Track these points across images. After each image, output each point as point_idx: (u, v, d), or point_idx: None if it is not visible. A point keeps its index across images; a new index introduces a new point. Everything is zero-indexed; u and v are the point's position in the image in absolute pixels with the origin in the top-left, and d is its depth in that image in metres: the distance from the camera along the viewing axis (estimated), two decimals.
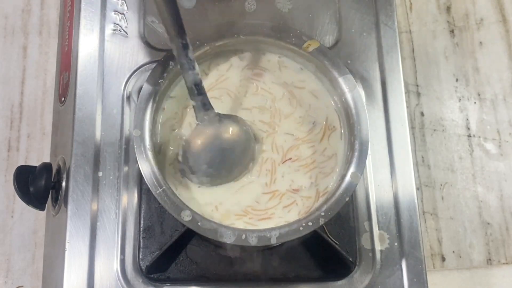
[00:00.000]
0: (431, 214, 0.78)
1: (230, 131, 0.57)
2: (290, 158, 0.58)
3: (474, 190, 0.79)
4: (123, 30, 0.65)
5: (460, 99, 0.83)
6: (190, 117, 0.59)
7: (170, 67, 0.57)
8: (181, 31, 0.53)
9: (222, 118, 0.57)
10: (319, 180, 0.57)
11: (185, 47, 0.54)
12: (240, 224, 0.55)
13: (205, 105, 0.56)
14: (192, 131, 0.57)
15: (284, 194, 0.57)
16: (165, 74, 0.57)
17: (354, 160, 0.54)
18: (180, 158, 0.57)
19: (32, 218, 0.75)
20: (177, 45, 0.53)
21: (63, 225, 0.58)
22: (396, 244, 0.60)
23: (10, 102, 0.80)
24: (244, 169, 0.58)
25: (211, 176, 0.57)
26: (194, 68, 0.55)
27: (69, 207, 0.58)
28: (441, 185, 0.79)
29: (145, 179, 0.52)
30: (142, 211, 0.59)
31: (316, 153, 0.58)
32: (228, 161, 0.57)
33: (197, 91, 0.55)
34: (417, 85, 0.84)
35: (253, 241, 0.51)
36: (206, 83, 0.58)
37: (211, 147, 0.57)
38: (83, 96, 0.62)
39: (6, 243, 0.74)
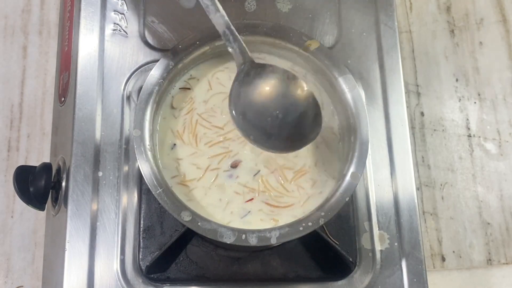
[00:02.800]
0: (431, 214, 0.78)
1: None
2: None
3: (474, 190, 0.79)
4: (123, 30, 0.65)
5: (460, 99, 0.83)
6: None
7: (170, 67, 0.57)
8: None
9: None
10: None
11: None
12: None
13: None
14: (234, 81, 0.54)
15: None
16: (165, 74, 0.57)
17: (354, 160, 0.54)
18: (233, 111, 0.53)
19: (32, 218, 0.75)
20: None
21: (63, 225, 0.58)
22: (396, 244, 0.60)
23: (10, 102, 0.80)
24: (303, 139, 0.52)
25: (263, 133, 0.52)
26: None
27: (69, 207, 0.58)
28: (441, 185, 0.79)
29: (145, 179, 0.52)
30: (142, 211, 0.59)
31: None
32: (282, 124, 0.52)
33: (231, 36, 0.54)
34: (417, 85, 0.83)
35: (253, 241, 0.51)
36: (206, 83, 0.58)
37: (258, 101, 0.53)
38: (83, 96, 0.62)
39: (6, 243, 0.74)
